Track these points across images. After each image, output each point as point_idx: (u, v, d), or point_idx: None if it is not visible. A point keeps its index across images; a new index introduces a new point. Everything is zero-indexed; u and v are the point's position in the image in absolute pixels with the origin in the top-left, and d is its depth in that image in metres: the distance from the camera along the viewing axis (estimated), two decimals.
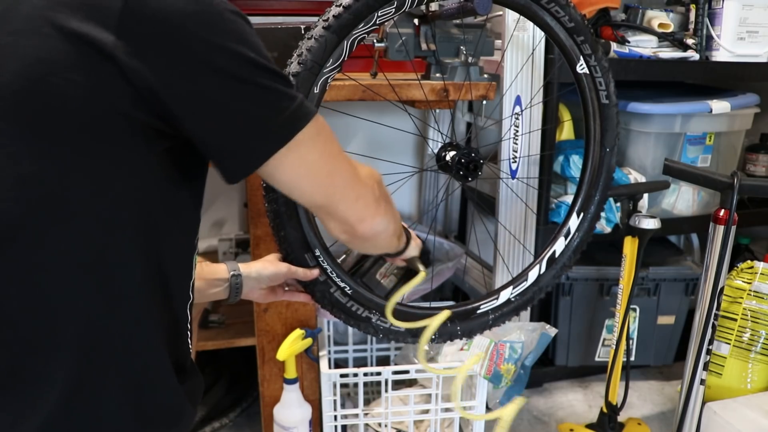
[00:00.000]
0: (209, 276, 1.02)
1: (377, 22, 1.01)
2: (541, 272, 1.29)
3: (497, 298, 1.26)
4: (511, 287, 1.27)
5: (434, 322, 1.08)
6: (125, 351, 0.67)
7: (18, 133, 0.60)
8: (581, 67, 1.25)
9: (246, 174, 0.69)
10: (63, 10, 0.60)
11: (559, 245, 1.31)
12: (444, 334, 1.22)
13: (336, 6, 0.99)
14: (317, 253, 1.07)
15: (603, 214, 1.73)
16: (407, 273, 1.16)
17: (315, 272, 1.05)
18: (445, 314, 1.11)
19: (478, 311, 1.25)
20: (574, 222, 1.32)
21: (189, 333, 0.78)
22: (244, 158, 0.68)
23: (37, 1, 0.61)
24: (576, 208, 1.32)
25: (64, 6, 0.60)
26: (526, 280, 1.28)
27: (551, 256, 1.30)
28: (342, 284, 1.10)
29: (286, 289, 1.11)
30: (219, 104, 0.64)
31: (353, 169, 0.78)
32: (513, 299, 1.27)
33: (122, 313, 0.66)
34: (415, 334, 1.17)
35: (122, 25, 0.60)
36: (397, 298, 1.10)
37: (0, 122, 0.60)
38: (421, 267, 1.10)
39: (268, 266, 1.06)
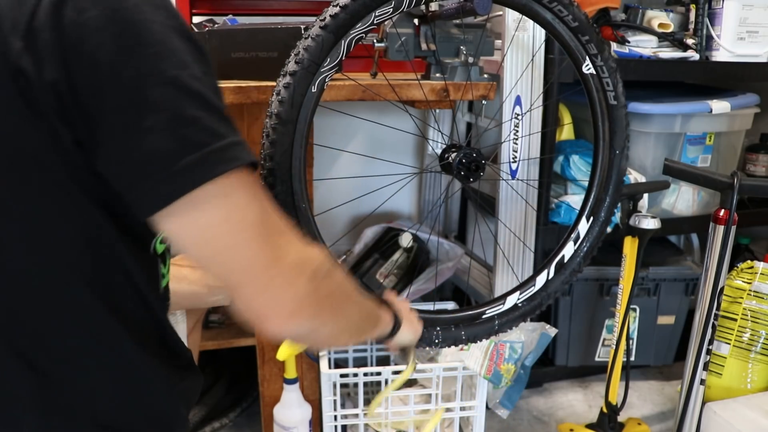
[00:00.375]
0: (212, 282, 1.01)
1: (375, 22, 1.01)
2: (550, 277, 1.27)
3: (503, 303, 1.25)
4: (518, 292, 1.26)
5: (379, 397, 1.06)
6: (90, 369, 0.65)
7: None
8: (587, 68, 1.23)
9: (148, 215, 0.57)
10: None
11: (568, 250, 1.28)
12: (448, 339, 1.21)
13: (333, 6, 0.99)
14: None
15: None
16: (408, 272, 1.16)
17: None
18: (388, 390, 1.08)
19: (484, 316, 1.23)
20: (583, 226, 1.29)
21: (175, 335, 0.75)
22: (141, 198, 0.56)
23: None
24: (585, 213, 1.30)
25: None
26: (534, 285, 1.27)
27: (560, 261, 1.28)
28: None
29: None
30: (120, 128, 0.54)
31: (270, 251, 0.60)
32: (520, 305, 1.25)
33: (75, 332, 0.63)
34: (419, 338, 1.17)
35: (30, 31, 0.54)
36: (380, 399, 1.08)
37: None
38: (411, 358, 1.01)
39: None
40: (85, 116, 0.55)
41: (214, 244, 0.58)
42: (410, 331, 0.93)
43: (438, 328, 1.19)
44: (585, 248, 1.30)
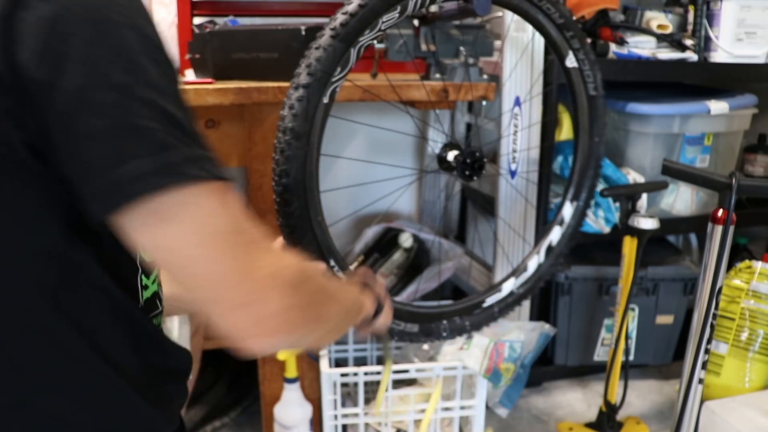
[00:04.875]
0: None
1: (382, 28, 1.00)
2: (541, 261, 1.32)
3: (500, 290, 1.29)
4: (514, 278, 1.30)
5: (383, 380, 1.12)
6: (56, 384, 0.62)
7: None
8: (570, 61, 1.30)
9: (96, 220, 0.55)
10: None
11: (556, 234, 1.35)
12: (455, 330, 1.24)
13: (342, 14, 0.98)
14: (332, 263, 1.07)
15: (602, 214, 1.74)
16: (408, 272, 1.17)
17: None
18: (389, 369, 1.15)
19: (484, 305, 1.27)
20: (567, 211, 1.37)
21: (165, 339, 0.73)
22: (90, 202, 0.54)
23: None
24: (569, 197, 1.37)
25: None
26: (527, 270, 1.31)
27: (549, 245, 1.33)
28: None
29: None
30: (64, 132, 0.53)
31: (242, 264, 0.57)
32: (515, 290, 1.31)
33: (37, 348, 0.60)
34: (427, 333, 1.20)
35: (6, 29, 0.52)
36: (381, 394, 1.16)
37: None
38: (388, 344, 1.09)
39: None
40: (47, 121, 0.53)
41: (180, 256, 0.55)
42: (387, 313, 0.91)
43: (444, 321, 1.22)
44: (570, 231, 1.37)
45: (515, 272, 1.32)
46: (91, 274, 0.62)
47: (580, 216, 1.37)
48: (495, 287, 1.30)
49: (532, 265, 1.32)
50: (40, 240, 0.58)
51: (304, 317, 0.61)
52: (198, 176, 0.54)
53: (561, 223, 1.36)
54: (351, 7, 0.98)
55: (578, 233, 1.39)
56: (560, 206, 1.37)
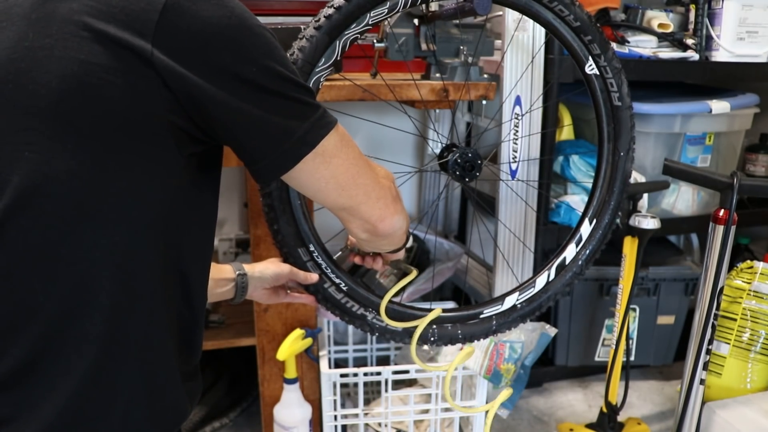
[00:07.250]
0: (216, 275, 1.03)
1: (370, 23, 1.01)
2: (550, 279, 1.25)
3: (502, 304, 1.22)
4: (518, 293, 1.23)
5: (425, 320, 1.11)
6: (141, 348, 0.68)
7: (53, 131, 0.62)
8: (590, 68, 1.21)
9: (275, 177, 0.72)
10: (100, 17, 0.62)
11: (570, 252, 1.26)
12: (444, 337, 1.19)
13: (328, 7, 0.99)
14: (311, 248, 1.07)
15: None
16: (406, 272, 1.16)
17: (314, 277, 1.07)
18: (436, 312, 1.13)
19: (482, 316, 1.22)
20: (586, 229, 1.26)
21: (202, 334, 0.80)
22: (274, 163, 0.71)
23: (76, 6, 0.62)
24: (588, 215, 1.27)
25: (102, 13, 0.62)
26: (534, 286, 1.24)
27: (561, 263, 1.26)
28: (337, 280, 1.10)
29: (288, 291, 1.12)
30: (249, 114, 0.67)
31: (373, 172, 0.81)
32: (519, 306, 1.23)
33: (141, 310, 0.68)
34: (411, 334, 1.15)
35: (159, 36, 0.62)
36: (390, 295, 1.10)
37: (33, 120, 0.62)
38: (409, 266, 1.13)
39: (271, 267, 1.07)
40: (212, 106, 0.65)
41: (344, 175, 0.76)
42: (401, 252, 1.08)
43: (433, 326, 1.17)
44: (587, 251, 1.27)
45: (520, 287, 1.24)
46: (191, 253, 0.73)
47: (601, 238, 1.27)
48: (496, 300, 1.24)
49: (540, 281, 1.24)
50: (159, 210, 0.68)
51: (401, 204, 0.88)
52: (333, 121, 0.73)
53: (578, 242, 1.26)
54: (337, 1, 0.99)
55: (598, 254, 1.28)
56: (578, 224, 1.28)
